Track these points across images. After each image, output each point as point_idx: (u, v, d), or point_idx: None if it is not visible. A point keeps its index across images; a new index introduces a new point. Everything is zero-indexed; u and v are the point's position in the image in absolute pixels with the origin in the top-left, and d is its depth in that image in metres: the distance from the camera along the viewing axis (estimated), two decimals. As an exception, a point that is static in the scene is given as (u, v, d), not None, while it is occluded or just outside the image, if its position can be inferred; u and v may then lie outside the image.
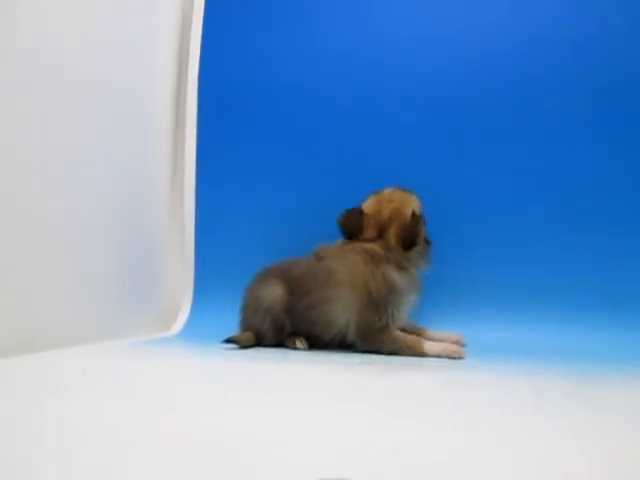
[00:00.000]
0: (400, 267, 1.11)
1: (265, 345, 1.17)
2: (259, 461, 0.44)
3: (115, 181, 1.30)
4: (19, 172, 0.99)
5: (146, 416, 0.58)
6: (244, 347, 1.14)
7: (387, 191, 1.18)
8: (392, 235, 1.12)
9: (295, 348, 1.16)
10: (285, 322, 1.16)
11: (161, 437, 0.50)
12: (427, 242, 1.18)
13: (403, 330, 1.12)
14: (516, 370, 0.92)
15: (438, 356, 1.05)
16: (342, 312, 1.11)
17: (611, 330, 1.20)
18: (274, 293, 1.16)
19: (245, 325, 1.20)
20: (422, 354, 1.06)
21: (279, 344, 1.17)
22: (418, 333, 1.16)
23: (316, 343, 1.17)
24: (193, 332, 1.40)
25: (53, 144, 1.08)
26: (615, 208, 1.32)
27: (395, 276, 1.10)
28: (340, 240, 1.19)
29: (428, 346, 1.06)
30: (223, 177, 1.57)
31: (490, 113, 1.41)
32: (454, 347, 1.06)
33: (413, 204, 1.16)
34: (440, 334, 1.16)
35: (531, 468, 0.43)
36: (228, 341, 1.12)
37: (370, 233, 1.15)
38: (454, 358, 1.04)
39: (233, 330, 1.22)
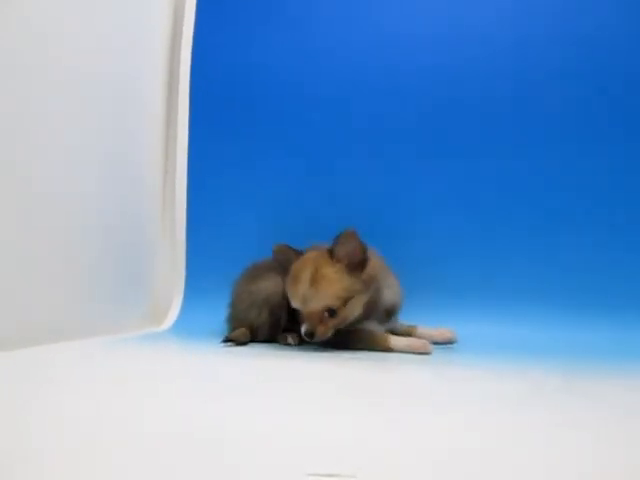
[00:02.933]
0: None
1: (258, 340, 1.16)
2: (250, 455, 0.44)
3: (106, 177, 1.29)
4: (14, 171, 0.99)
5: (137, 411, 0.58)
6: (240, 344, 1.12)
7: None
8: None
9: (287, 344, 1.16)
10: (281, 315, 1.16)
11: (152, 432, 0.50)
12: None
13: (393, 332, 1.12)
14: (509, 365, 0.93)
15: (403, 351, 1.03)
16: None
17: (603, 326, 1.21)
18: (274, 285, 1.16)
19: (236, 320, 1.19)
20: (388, 350, 1.04)
21: (271, 340, 1.17)
22: (409, 332, 1.16)
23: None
24: (184, 327, 1.40)
25: (46, 143, 1.07)
26: (604, 206, 1.33)
27: None
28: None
29: (394, 341, 1.05)
30: (215, 173, 1.57)
31: (475, 113, 1.43)
32: (420, 342, 1.04)
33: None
34: (432, 330, 1.16)
35: (526, 462, 0.44)
36: (226, 341, 1.11)
37: None
38: (421, 353, 1.02)
39: (224, 326, 1.22)
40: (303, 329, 1.04)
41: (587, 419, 0.58)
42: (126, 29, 1.37)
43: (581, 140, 1.36)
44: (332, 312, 1.04)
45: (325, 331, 1.04)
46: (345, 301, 1.04)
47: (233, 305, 1.22)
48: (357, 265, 1.05)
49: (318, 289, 1.03)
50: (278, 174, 1.52)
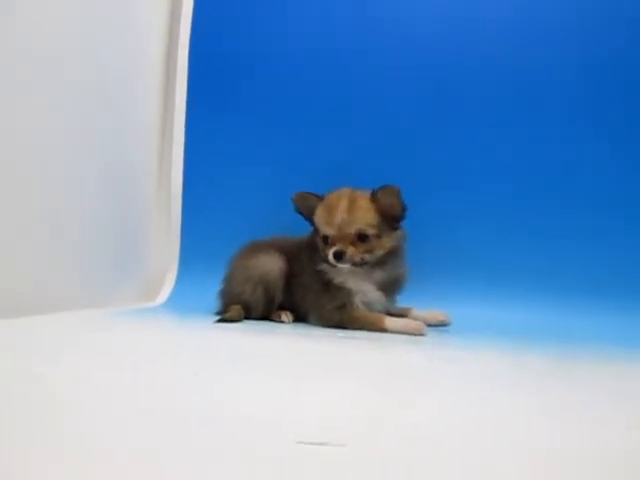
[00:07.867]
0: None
1: (252, 318, 1.16)
2: (240, 426, 0.45)
3: (102, 153, 1.28)
4: (13, 161, 0.98)
5: (127, 385, 0.58)
6: (234, 322, 1.11)
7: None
8: None
9: (280, 321, 1.16)
10: (276, 294, 1.16)
11: (143, 406, 0.50)
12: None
13: (389, 313, 1.12)
14: (498, 348, 0.93)
15: (399, 332, 1.04)
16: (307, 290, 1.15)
17: (593, 312, 1.22)
18: (272, 262, 1.16)
19: (229, 296, 1.18)
20: (383, 330, 1.05)
21: (265, 317, 1.17)
22: (404, 313, 1.16)
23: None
24: (178, 303, 1.39)
25: (41, 128, 1.06)
26: (601, 193, 1.33)
27: (324, 267, 1.11)
28: None
29: (389, 322, 1.06)
30: (211, 149, 1.55)
31: (474, 96, 1.41)
32: (415, 324, 1.05)
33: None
34: (425, 313, 1.16)
35: (516, 443, 0.44)
36: (220, 321, 1.10)
37: None
38: (415, 335, 1.03)
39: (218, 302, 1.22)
40: (332, 250, 1.06)
41: (577, 403, 0.58)
42: (120, 12, 1.35)
43: (565, 126, 1.35)
44: (363, 238, 1.06)
45: (355, 253, 1.06)
46: (376, 235, 1.07)
47: (228, 280, 1.21)
48: (391, 218, 1.09)
49: (353, 214, 1.07)
50: (275, 152, 1.51)
